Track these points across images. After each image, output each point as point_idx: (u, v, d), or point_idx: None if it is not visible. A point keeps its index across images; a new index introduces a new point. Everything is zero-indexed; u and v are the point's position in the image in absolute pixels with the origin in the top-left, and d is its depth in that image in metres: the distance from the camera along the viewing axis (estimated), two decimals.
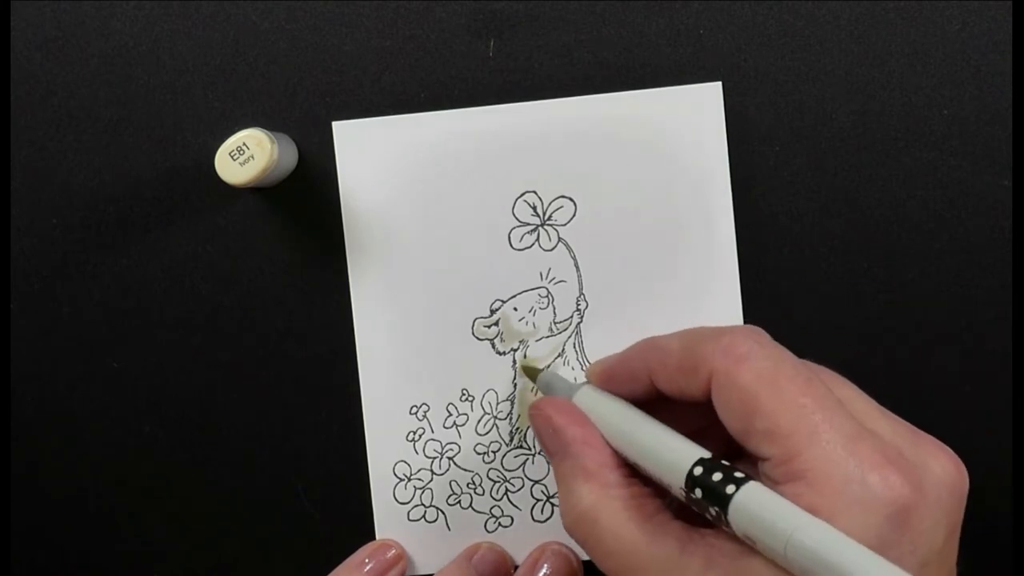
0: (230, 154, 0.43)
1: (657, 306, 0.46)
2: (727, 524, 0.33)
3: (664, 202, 0.46)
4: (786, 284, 0.46)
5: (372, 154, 0.46)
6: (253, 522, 0.47)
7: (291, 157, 0.46)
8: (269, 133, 0.43)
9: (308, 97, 0.46)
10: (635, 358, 0.39)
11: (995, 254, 0.46)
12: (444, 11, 0.46)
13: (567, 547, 0.46)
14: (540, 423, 0.40)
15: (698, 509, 0.35)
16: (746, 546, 0.33)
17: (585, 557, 0.46)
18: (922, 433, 0.35)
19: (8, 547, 0.47)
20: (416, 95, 0.46)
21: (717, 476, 0.34)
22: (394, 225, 0.46)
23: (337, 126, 0.46)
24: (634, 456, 0.37)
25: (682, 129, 0.46)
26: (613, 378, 0.39)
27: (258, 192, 0.46)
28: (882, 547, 0.31)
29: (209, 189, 0.46)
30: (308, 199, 0.46)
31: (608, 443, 0.38)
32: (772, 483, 0.33)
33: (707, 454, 0.35)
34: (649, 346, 0.38)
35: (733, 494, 0.33)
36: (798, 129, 0.46)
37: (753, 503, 0.33)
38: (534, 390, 0.46)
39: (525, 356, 0.46)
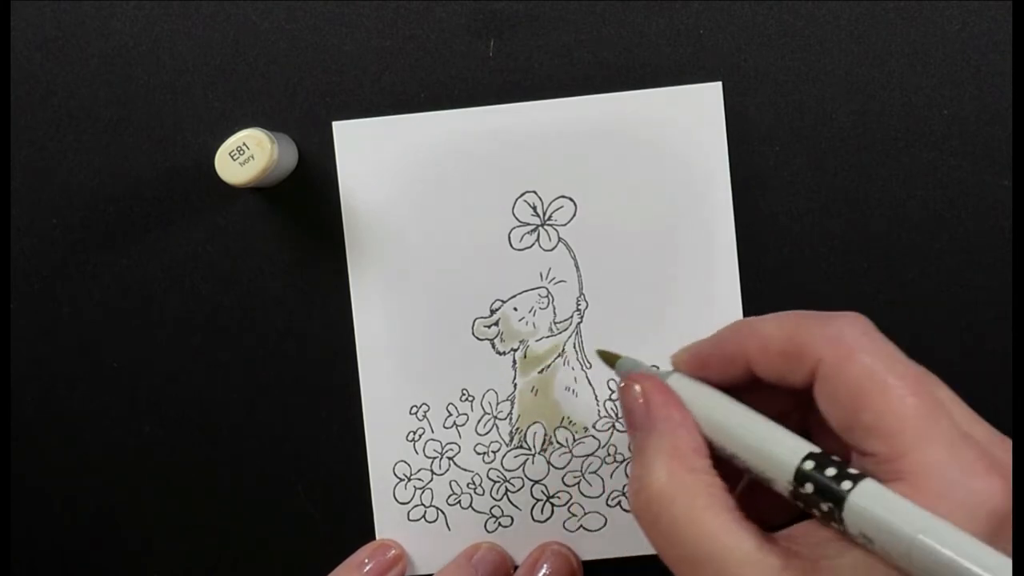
0: (230, 154, 0.43)
1: (657, 306, 0.46)
2: (839, 521, 0.33)
3: (664, 202, 0.46)
4: (786, 284, 0.46)
5: (372, 154, 0.46)
6: (253, 522, 0.47)
7: (291, 157, 0.46)
8: (269, 133, 0.43)
9: (308, 97, 0.46)
10: (730, 342, 0.37)
11: (995, 254, 0.46)
12: (444, 11, 0.46)
13: (567, 547, 0.46)
14: (631, 396, 0.38)
15: (804, 506, 0.34)
16: (828, 546, 0.33)
17: (586, 557, 0.46)
18: (1007, 439, 0.35)
19: (8, 547, 0.47)
20: (416, 95, 0.46)
21: (830, 472, 0.33)
22: (394, 225, 0.46)
23: (337, 126, 0.46)
24: (733, 447, 0.36)
25: (682, 129, 0.46)
26: (706, 364, 0.38)
27: (258, 192, 0.46)
28: None
29: (209, 189, 0.46)
30: (308, 199, 0.46)
31: (700, 430, 0.37)
32: None
33: (816, 448, 0.34)
34: (747, 330, 0.37)
35: (849, 491, 0.32)
36: (798, 129, 0.46)
37: (872, 502, 0.32)
38: (534, 391, 0.46)
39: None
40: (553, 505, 0.47)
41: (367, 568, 0.46)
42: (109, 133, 0.47)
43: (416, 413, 0.47)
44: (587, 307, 0.46)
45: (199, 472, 0.47)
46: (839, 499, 0.33)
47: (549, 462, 0.47)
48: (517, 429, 0.47)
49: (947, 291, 0.46)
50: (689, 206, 0.46)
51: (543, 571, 0.45)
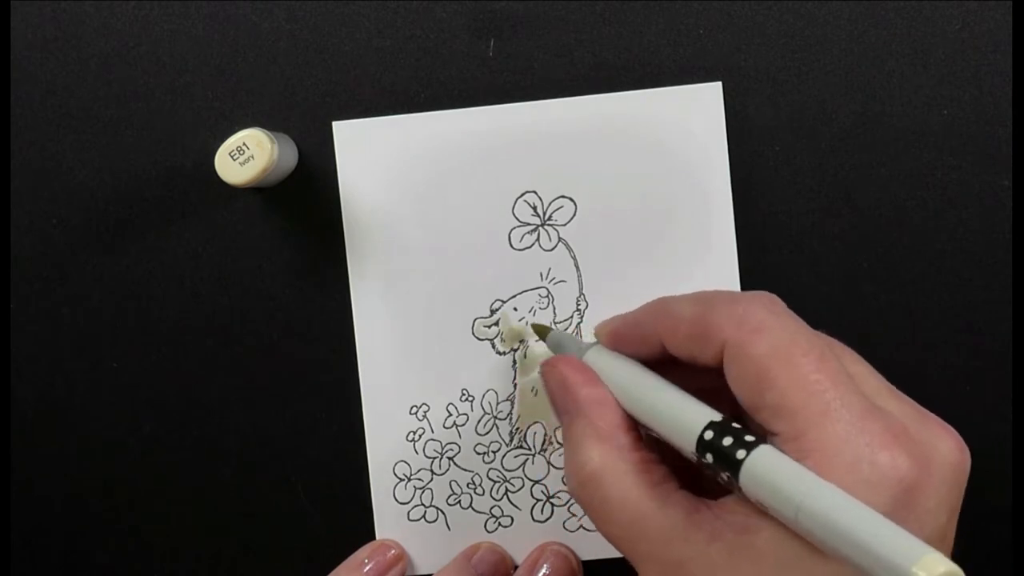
0: (230, 154, 0.43)
1: None
2: (739, 489, 0.33)
3: (664, 202, 0.46)
4: (786, 284, 0.46)
5: (372, 154, 0.46)
6: (253, 522, 0.47)
7: (291, 157, 0.46)
8: (269, 133, 0.43)
9: (308, 97, 0.46)
10: (646, 321, 0.38)
11: (995, 254, 0.46)
12: (444, 11, 0.46)
13: (567, 547, 0.46)
14: (553, 381, 0.39)
15: (711, 473, 0.34)
16: (751, 520, 0.33)
17: (586, 557, 0.46)
18: (928, 413, 0.35)
19: (8, 547, 0.47)
20: (416, 95, 0.46)
21: (727, 440, 0.33)
22: (394, 225, 0.46)
23: (337, 126, 0.46)
24: (645, 419, 0.36)
25: (682, 129, 0.46)
26: (623, 339, 0.38)
27: (258, 192, 0.46)
28: None
29: (209, 189, 0.46)
30: (308, 199, 0.46)
31: (619, 405, 0.37)
32: None
33: (718, 416, 0.34)
34: (661, 310, 0.37)
35: (743, 459, 0.32)
36: (798, 129, 0.46)
37: (764, 468, 0.32)
38: (534, 391, 0.46)
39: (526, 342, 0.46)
40: (553, 505, 0.47)
41: (367, 568, 0.46)
42: (109, 133, 0.47)
43: (416, 413, 0.47)
44: (587, 307, 0.46)
45: (199, 472, 0.47)
46: (735, 467, 0.33)
47: (549, 462, 0.47)
48: (517, 429, 0.47)
49: (947, 291, 0.46)
50: (689, 206, 0.46)
51: (543, 571, 0.45)
